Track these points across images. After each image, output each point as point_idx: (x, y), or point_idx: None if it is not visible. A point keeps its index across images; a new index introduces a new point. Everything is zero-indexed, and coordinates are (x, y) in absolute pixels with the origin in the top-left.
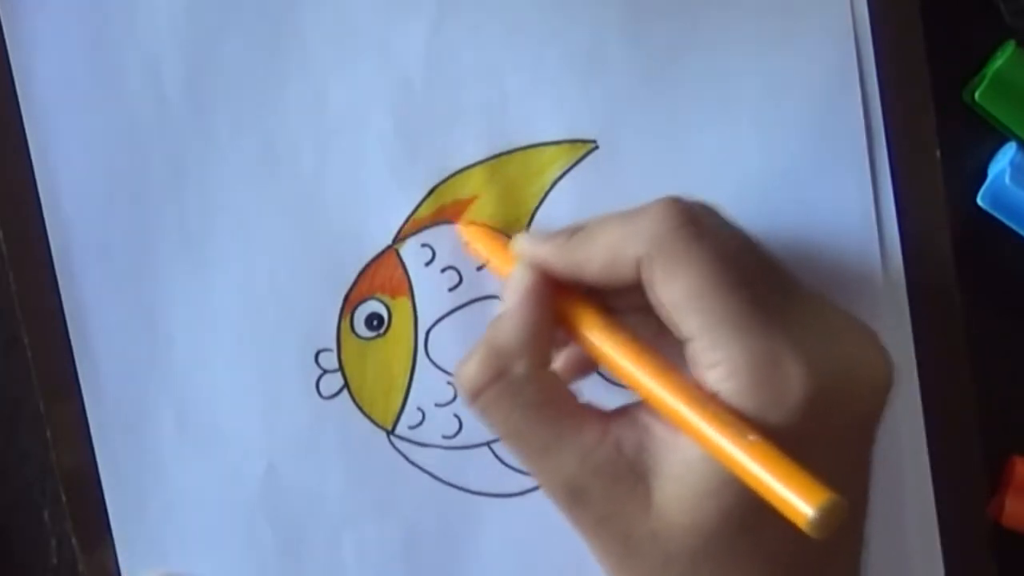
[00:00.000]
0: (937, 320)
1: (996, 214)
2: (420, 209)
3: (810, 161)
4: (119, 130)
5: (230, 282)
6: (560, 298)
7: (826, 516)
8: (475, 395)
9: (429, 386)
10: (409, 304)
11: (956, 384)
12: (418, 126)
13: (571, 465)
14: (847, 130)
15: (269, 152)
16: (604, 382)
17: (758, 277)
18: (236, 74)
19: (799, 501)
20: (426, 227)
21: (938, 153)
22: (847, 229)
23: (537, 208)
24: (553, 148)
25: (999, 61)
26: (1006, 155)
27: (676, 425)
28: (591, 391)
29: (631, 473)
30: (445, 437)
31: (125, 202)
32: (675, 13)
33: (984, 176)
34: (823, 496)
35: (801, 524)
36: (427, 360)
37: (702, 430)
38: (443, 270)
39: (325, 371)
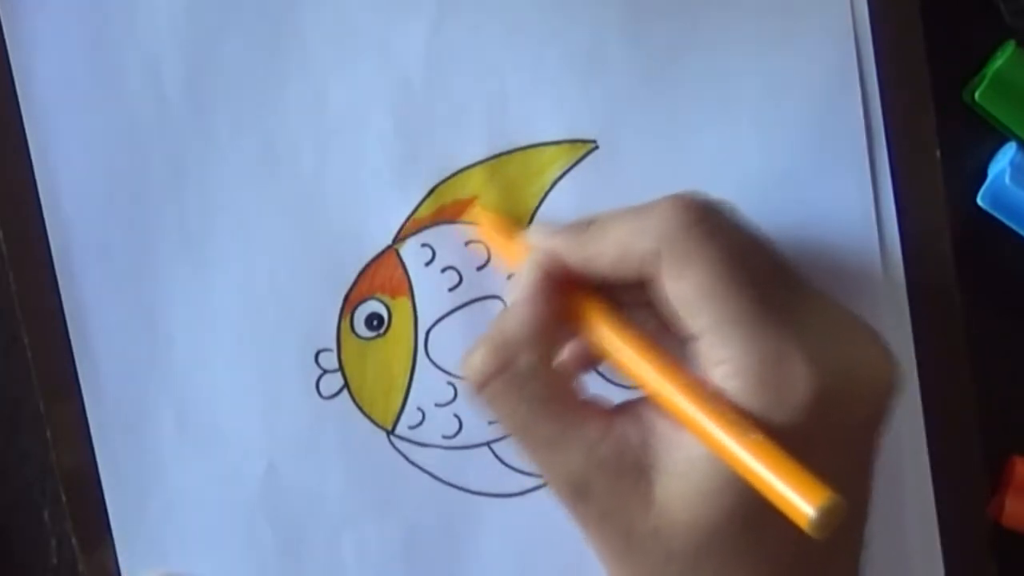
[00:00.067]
0: (937, 320)
1: (996, 214)
2: (420, 209)
3: (810, 161)
4: (119, 130)
5: (230, 282)
6: (569, 292)
7: (827, 516)
8: (481, 386)
9: (429, 386)
10: (409, 304)
11: (956, 384)
12: (418, 126)
13: (575, 460)
14: (847, 130)
15: (269, 152)
16: (604, 382)
17: (767, 276)
18: (236, 74)
19: (800, 501)
20: (426, 227)
21: (938, 153)
22: (847, 229)
23: (537, 208)
24: (553, 148)
25: (999, 61)
26: (1006, 155)
27: (680, 422)
28: (592, 390)
29: (634, 469)
30: (445, 437)
31: (125, 202)
32: (675, 13)
33: (984, 176)
34: (824, 496)
35: (802, 524)
36: (427, 360)
37: (706, 428)
38: (443, 270)
39: (325, 371)
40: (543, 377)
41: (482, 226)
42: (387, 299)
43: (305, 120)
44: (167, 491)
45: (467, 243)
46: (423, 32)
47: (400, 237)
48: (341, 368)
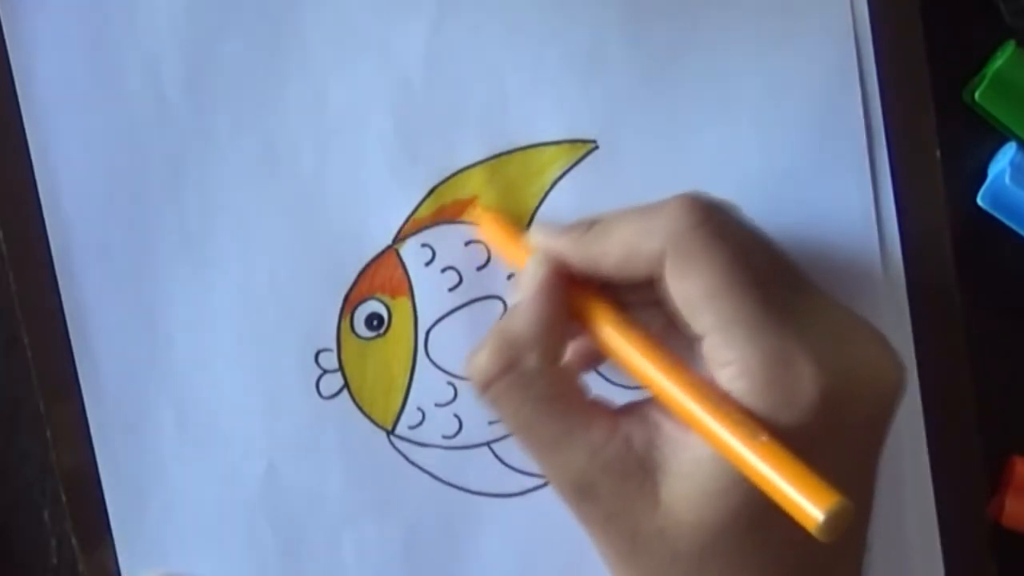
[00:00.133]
0: (937, 320)
1: (996, 214)
2: (420, 209)
3: (810, 161)
4: (119, 130)
5: (230, 282)
6: (574, 292)
7: (835, 520)
8: (485, 386)
9: (429, 386)
10: (409, 304)
11: (956, 384)
12: (418, 126)
13: (580, 461)
14: (847, 130)
15: (269, 152)
16: (604, 381)
17: (773, 277)
18: (236, 74)
19: (809, 504)
20: (426, 227)
21: (938, 153)
22: (847, 229)
23: (537, 208)
24: (553, 148)
25: (999, 61)
26: (1006, 155)
27: (687, 423)
28: (594, 390)
29: (640, 470)
30: (445, 437)
31: (125, 202)
32: (675, 13)
33: (984, 176)
34: (833, 500)
35: (810, 527)
36: (427, 360)
37: (713, 429)
38: (443, 270)
39: (325, 371)
40: (548, 377)
41: (484, 226)
42: (387, 299)
43: (305, 120)
44: (167, 491)
45: (467, 243)
46: (423, 32)
47: (400, 237)
48: (341, 368)
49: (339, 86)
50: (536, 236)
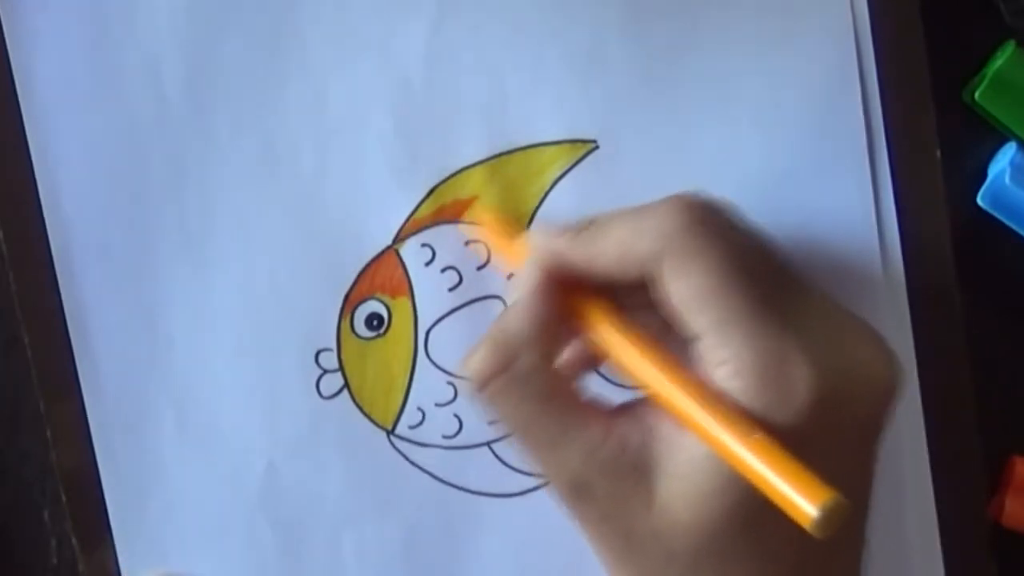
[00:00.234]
0: (937, 320)
1: (996, 214)
2: (420, 209)
3: (810, 161)
4: (119, 130)
5: (230, 282)
6: (570, 292)
7: (829, 516)
8: (482, 385)
9: (429, 386)
10: (409, 304)
11: (956, 384)
12: (418, 126)
13: (576, 460)
14: (847, 130)
15: (269, 152)
16: (605, 382)
17: (768, 276)
18: (236, 74)
19: (803, 501)
20: (426, 227)
21: (938, 153)
22: (847, 229)
23: (537, 208)
24: (553, 148)
25: (999, 61)
26: (1006, 155)
27: (682, 422)
28: (592, 390)
29: (635, 470)
30: (445, 437)
31: (125, 202)
32: (675, 13)
33: (984, 176)
34: (826, 496)
35: (805, 523)
36: (427, 360)
37: (708, 428)
38: (443, 270)
39: (325, 371)
40: (544, 376)
41: (483, 226)
42: (387, 299)
43: (305, 120)
44: (167, 491)
45: (467, 243)
46: (423, 32)
47: (400, 237)
48: (341, 368)
49: (339, 86)
50: (533, 237)
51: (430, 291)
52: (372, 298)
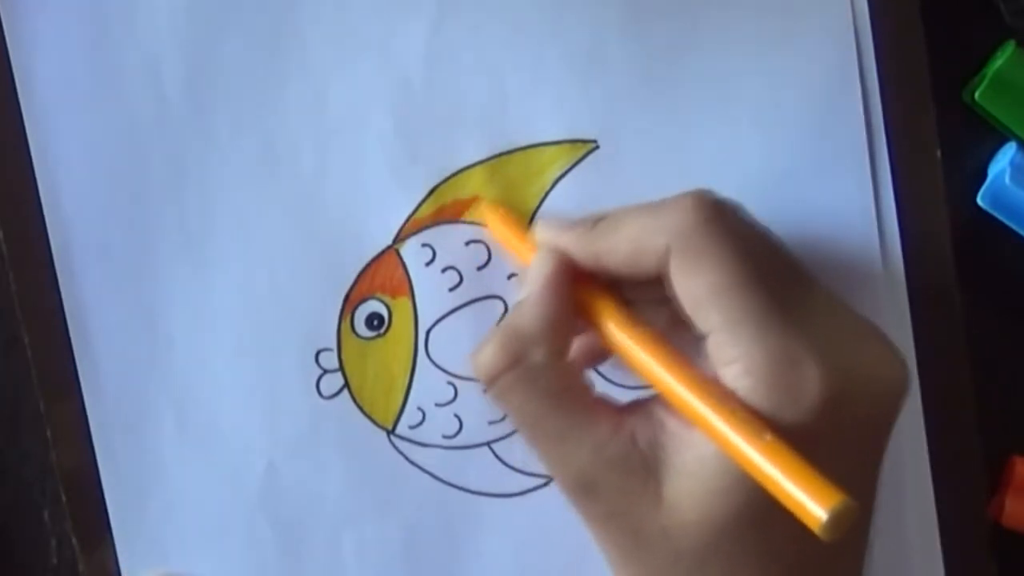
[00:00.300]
0: (937, 320)
1: (996, 214)
2: (420, 209)
3: (810, 161)
4: (119, 130)
5: (230, 282)
6: (580, 287)
7: (838, 519)
8: (492, 380)
9: (429, 386)
10: (409, 304)
11: (956, 384)
12: (418, 126)
13: (584, 457)
14: (847, 130)
15: (269, 152)
16: (605, 382)
17: (779, 276)
18: (236, 74)
19: (812, 504)
20: (426, 227)
21: (938, 153)
22: (847, 229)
23: (538, 208)
24: (553, 148)
25: (999, 61)
26: (1006, 155)
27: (691, 421)
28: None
29: (643, 468)
30: (445, 437)
31: (125, 202)
32: (675, 13)
33: (984, 176)
34: (836, 499)
35: (814, 527)
36: (427, 360)
37: (718, 428)
38: (443, 270)
39: (325, 371)
40: (554, 372)
41: (489, 222)
42: (387, 299)
43: (305, 120)
44: (167, 491)
45: (467, 243)
46: (423, 32)
47: (400, 237)
48: (341, 368)
49: (339, 86)
50: (542, 232)
51: (430, 291)
52: (372, 298)
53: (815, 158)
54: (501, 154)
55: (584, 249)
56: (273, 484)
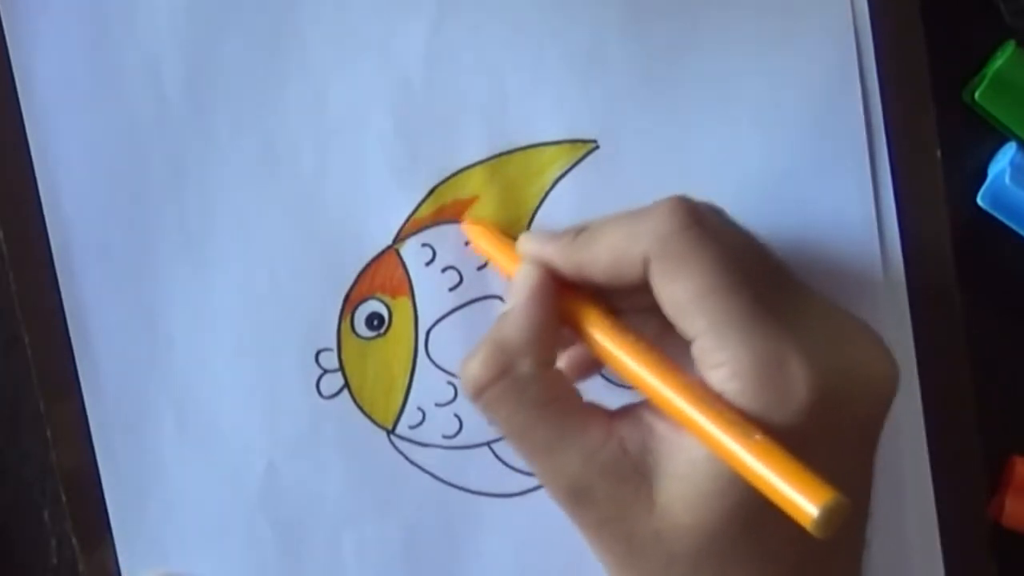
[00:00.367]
0: (937, 320)
1: (996, 214)
2: (420, 209)
3: (810, 161)
4: (119, 130)
5: (230, 282)
6: (565, 297)
7: (830, 515)
8: (479, 392)
9: (429, 386)
10: (409, 304)
11: (956, 384)
12: (418, 126)
13: (575, 465)
14: (847, 130)
15: (269, 152)
16: (606, 383)
17: (763, 278)
18: (236, 74)
19: (803, 500)
20: (426, 227)
21: (938, 153)
22: (847, 229)
23: (537, 208)
24: (553, 148)
25: (999, 61)
26: (1006, 155)
27: (681, 425)
28: (593, 392)
29: (635, 473)
30: (445, 437)
31: (125, 202)
32: (675, 13)
33: (984, 176)
34: (827, 495)
35: (805, 523)
36: (427, 360)
37: (707, 429)
38: (443, 270)
39: (325, 371)
40: (542, 382)
41: (472, 238)
42: (387, 299)
43: (305, 120)
44: (167, 491)
45: (467, 243)
46: (423, 32)
47: (400, 237)
48: (341, 368)
49: (339, 86)
50: (525, 244)
51: (430, 291)
52: (372, 298)
53: (815, 158)
54: (501, 154)
55: (567, 260)
56: (273, 484)
